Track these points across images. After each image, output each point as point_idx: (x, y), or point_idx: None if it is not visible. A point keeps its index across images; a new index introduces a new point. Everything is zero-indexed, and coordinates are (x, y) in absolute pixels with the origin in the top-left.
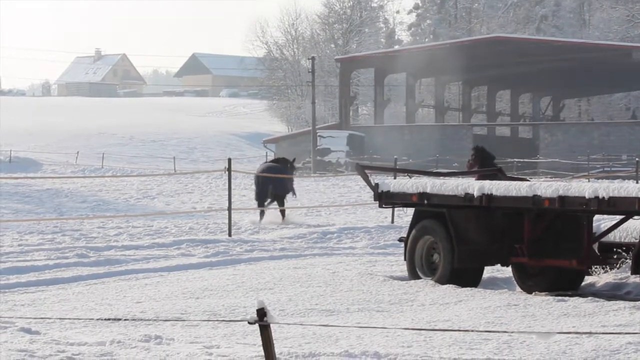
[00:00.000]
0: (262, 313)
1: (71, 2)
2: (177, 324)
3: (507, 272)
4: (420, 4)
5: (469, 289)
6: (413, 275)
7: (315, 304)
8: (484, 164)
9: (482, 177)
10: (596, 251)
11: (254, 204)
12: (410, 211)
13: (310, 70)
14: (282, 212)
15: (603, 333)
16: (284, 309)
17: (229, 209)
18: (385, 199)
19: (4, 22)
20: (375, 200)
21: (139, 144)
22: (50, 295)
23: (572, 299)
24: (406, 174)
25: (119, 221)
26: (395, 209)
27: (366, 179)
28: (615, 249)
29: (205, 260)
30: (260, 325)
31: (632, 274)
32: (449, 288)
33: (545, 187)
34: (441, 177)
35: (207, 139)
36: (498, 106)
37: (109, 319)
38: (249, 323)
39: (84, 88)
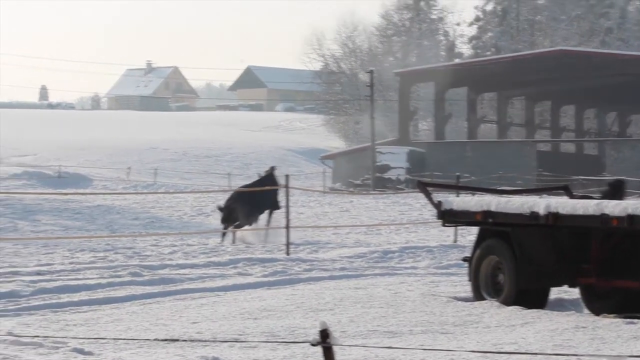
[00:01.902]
0: (325, 334)
1: (121, 13)
2: (234, 345)
3: (574, 293)
4: (481, 16)
5: (535, 310)
6: (478, 296)
7: (378, 326)
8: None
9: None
10: None
11: (311, 221)
12: (474, 230)
13: (368, 84)
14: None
15: None
16: (345, 331)
17: (287, 226)
18: (448, 217)
19: (52, 35)
20: (437, 218)
21: (192, 160)
22: (104, 314)
23: None
24: (469, 192)
25: (173, 239)
26: (459, 227)
27: (428, 197)
28: None
29: (263, 279)
30: (323, 347)
31: None
32: (515, 309)
33: (614, 205)
34: (506, 195)
35: (263, 154)
36: (562, 122)
37: (165, 340)
38: (312, 345)
39: (134, 101)
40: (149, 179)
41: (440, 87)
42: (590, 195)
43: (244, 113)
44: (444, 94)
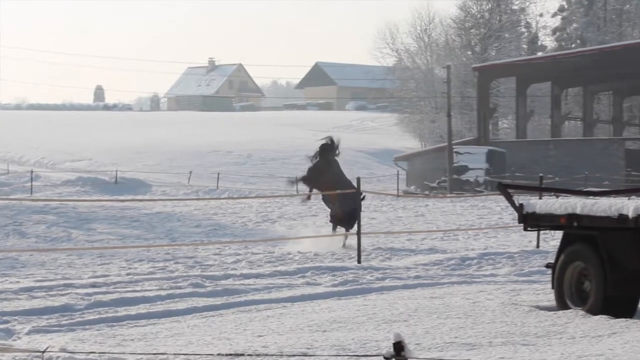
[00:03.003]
0: (399, 347)
1: (182, 8)
2: (302, 359)
3: None
4: (565, 6)
5: (623, 320)
6: (562, 304)
7: (455, 337)
8: None
9: None
10: None
11: (384, 227)
12: (558, 235)
13: (445, 80)
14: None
15: None
16: (420, 343)
17: (358, 233)
18: (531, 221)
19: (107, 32)
20: (519, 222)
21: (257, 163)
22: (163, 328)
23: None
24: (553, 194)
25: (236, 247)
26: (542, 232)
27: (509, 199)
28: None
29: (333, 289)
30: None
31: None
32: (602, 319)
33: None
34: (592, 197)
35: None
36: None
37: (228, 355)
38: (385, 358)
39: (196, 101)
40: (211, 184)
41: (521, 82)
42: None
43: (312, 112)
44: (525, 90)
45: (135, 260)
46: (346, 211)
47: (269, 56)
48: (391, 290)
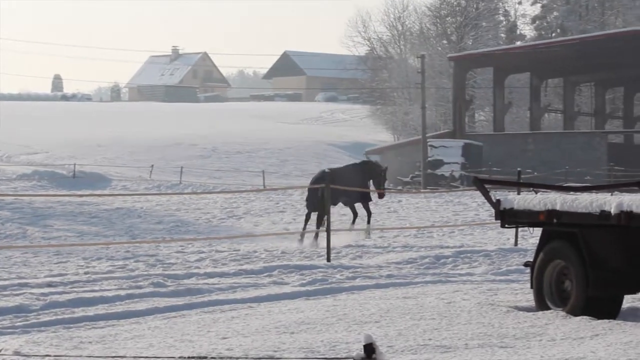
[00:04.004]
0: (370, 349)
1: None
2: None
3: None
4: None
5: (606, 321)
6: (541, 305)
7: (429, 339)
8: None
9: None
10: None
11: (355, 224)
12: (537, 232)
13: (419, 71)
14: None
15: None
16: (392, 345)
17: (327, 230)
18: (508, 217)
19: (66, 18)
20: (496, 219)
21: (222, 156)
22: (122, 330)
23: None
24: (532, 189)
25: (200, 245)
26: (520, 229)
27: (486, 195)
28: None
29: (301, 289)
30: None
31: None
32: (583, 320)
33: None
34: (572, 193)
35: (301, 149)
36: (636, 110)
37: (191, 358)
38: None
39: (159, 92)
40: (174, 179)
41: (499, 72)
42: None
43: (280, 104)
44: (503, 81)
45: (94, 258)
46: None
47: (235, 45)
48: (362, 289)
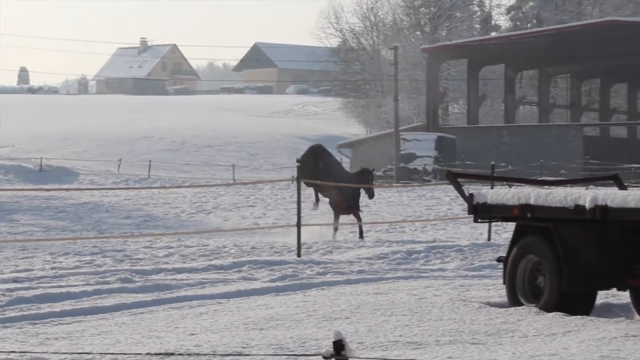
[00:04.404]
0: (339, 346)
1: None
2: (238, 359)
3: (625, 297)
4: None
5: (579, 317)
6: (513, 301)
7: (400, 336)
8: None
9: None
10: None
11: (326, 218)
12: (511, 226)
13: (392, 63)
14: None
15: None
16: (362, 342)
17: (298, 224)
18: (481, 212)
19: (33, 9)
20: (469, 213)
21: (191, 150)
22: (89, 326)
23: None
24: (505, 183)
25: (169, 240)
26: (493, 224)
27: (459, 189)
28: None
29: (271, 284)
30: None
31: None
32: (556, 316)
33: None
34: (547, 187)
35: (272, 143)
36: (613, 102)
37: (159, 354)
38: (324, 358)
39: (127, 84)
40: (143, 173)
41: (473, 64)
42: None
43: (250, 96)
44: (477, 73)
45: (61, 253)
46: (348, 198)
47: (205, 36)
48: (332, 285)
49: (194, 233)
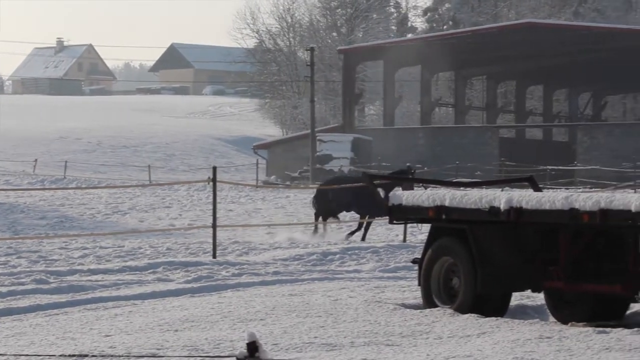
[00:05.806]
0: (253, 347)
1: None
2: None
3: (539, 298)
4: None
5: (494, 318)
6: (429, 302)
7: (315, 337)
8: None
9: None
10: None
11: (242, 219)
12: (426, 228)
13: (308, 64)
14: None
15: None
16: (277, 343)
17: (214, 226)
18: (397, 213)
19: None
20: (384, 215)
21: (107, 151)
22: (3, 328)
23: (615, 330)
24: (421, 185)
25: (84, 241)
26: (408, 225)
27: (374, 191)
28: None
29: (186, 286)
30: None
31: None
32: (471, 318)
33: (585, 199)
34: (462, 188)
35: (188, 144)
36: (529, 104)
37: (73, 356)
38: (238, 359)
39: (43, 84)
40: (58, 173)
41: (389, 66)
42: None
43: (167, 97)
44: (394, 74)
45: None
46: (343, 203)
47: (121, 37)
48: (248, 286)
49: (109, 234)
